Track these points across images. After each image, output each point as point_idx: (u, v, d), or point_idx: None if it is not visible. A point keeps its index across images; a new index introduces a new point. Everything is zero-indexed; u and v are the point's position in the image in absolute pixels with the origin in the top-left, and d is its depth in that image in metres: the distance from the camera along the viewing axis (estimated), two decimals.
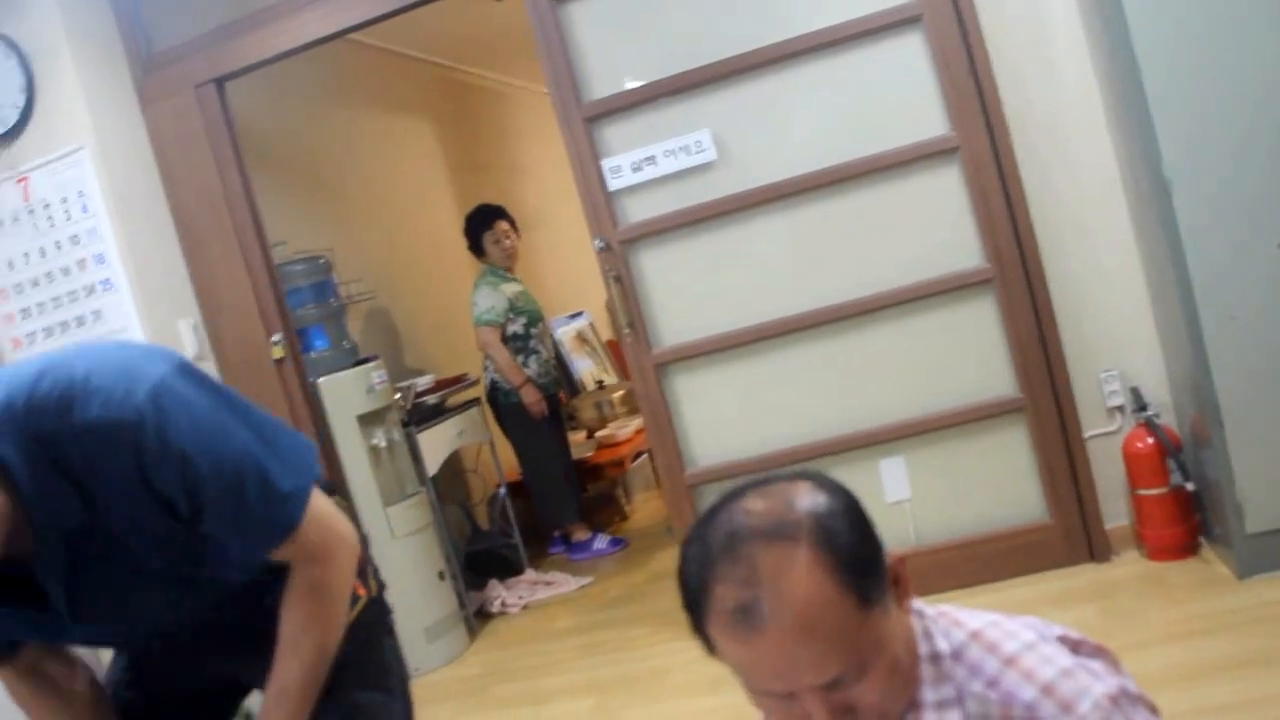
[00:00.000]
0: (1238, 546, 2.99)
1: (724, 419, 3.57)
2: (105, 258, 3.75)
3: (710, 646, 1.09)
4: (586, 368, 6.77)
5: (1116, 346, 3.40)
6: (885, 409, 3.47)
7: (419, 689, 1.91)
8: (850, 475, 3.14)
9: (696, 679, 3.32)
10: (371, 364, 4.30)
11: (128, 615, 1.59)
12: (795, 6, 3.38)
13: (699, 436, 3.60)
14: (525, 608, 4.66)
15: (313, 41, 3.82)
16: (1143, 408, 3.33)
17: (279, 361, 3.94)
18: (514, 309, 5.15)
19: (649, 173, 3.49)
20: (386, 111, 6.07)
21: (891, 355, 3.45)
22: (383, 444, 4.23)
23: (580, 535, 5.25)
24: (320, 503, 1.58)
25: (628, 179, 3.51)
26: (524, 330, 5.18)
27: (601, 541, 5.22)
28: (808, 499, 1.07)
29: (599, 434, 6.04)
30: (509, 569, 5.05)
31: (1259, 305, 2.86)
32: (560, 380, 5.56)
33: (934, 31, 3.28)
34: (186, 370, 1.48)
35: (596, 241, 3.53)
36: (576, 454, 5.60)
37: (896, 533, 3.46)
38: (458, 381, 5.14)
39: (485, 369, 5.24)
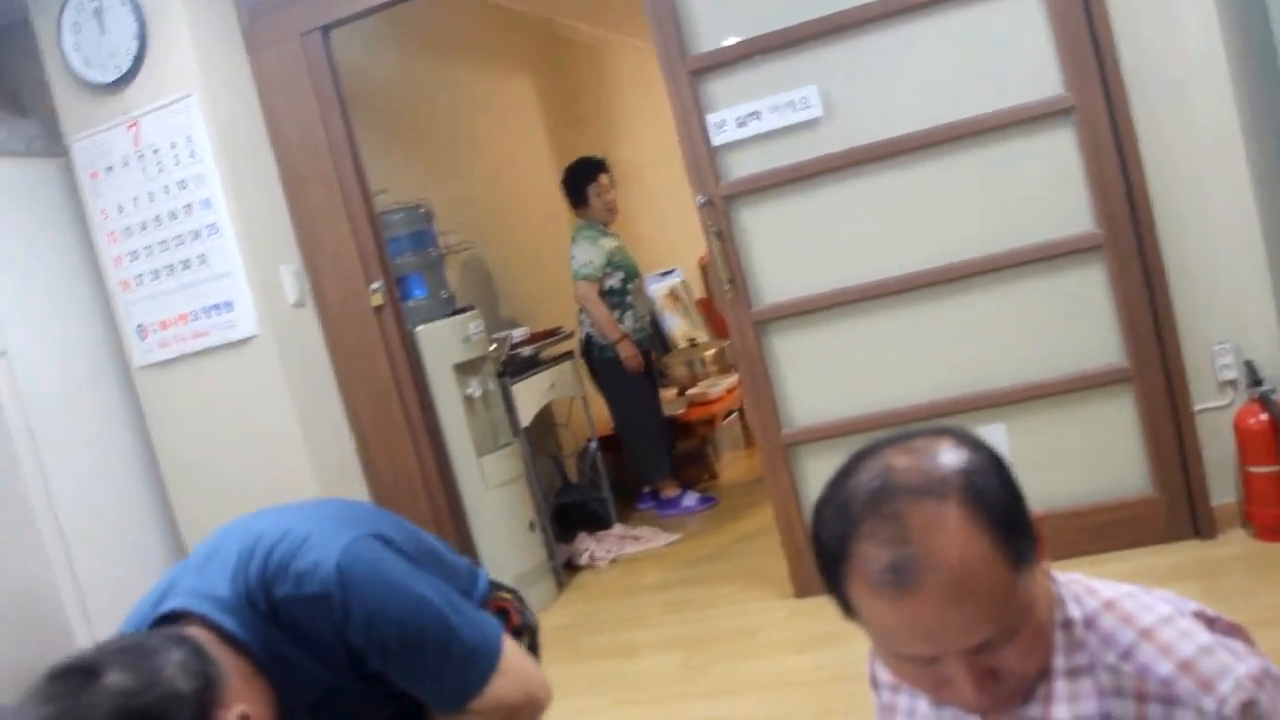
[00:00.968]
0: None
1: (822, 379, 3.53)
2: (211, 202, 3.81)
3: (848, 609, 1.05)
4: (678, 325, 6.76)
5: (1231, 318, 3.28)
6: (987, 374, 3.40)
7: None
8: None
9: (785, 638, 3.32)
10: (468, 314, 4.33)
11: None
12: None
13: (796, 396, 3.57)
14: (613, 562, 4.68)
15: None
16: (1257, 382, 3.22)
17: (378, 309, 3.97)
18: (612, 264, 5.14)
19: (753, 128, 3.44)
20: (486, 64, 6.07)
21: (996, 320, 3.37)
22: (477, 394, 4.27)
23: (670, 491, 5.25)
24: (516, 661, 1.63)
25: (731, 134, 3.46)
26: (621, 285, 5.17)
27: (691, 499, 5.22)
28: (953, 455, 1.03)
29: (690, 391, 6.02)
30: (598, 523, 5.08)
31: None
32: (653, 337, 5.55)
33: None
34: (378, 535, 1.58)
35: (699, 197, 3.50)
36: (667, 411, 5.60)
37: None
38: (552, 334, 5.16)
39: (580, 323, 5.25)
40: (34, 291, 4.02)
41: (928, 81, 3.32)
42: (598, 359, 5.20)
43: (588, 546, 4.80)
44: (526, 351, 4.86)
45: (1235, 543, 3.25)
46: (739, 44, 3.45)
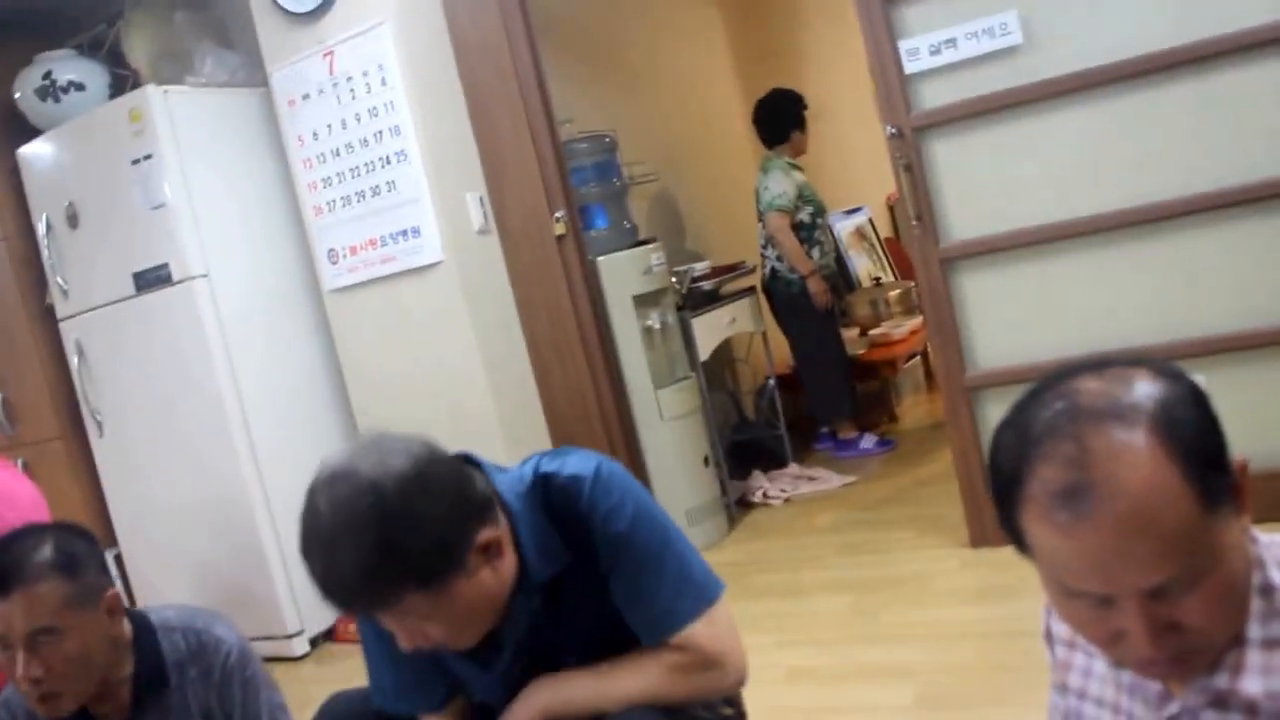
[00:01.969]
0: None
1: (1012, 321, 3.37)
2: (400, 130, 3.87)
3: (1019, 540, 0.99)
4: (863, 264, 6.62)
5: None
6: (1188, 321, 3.17)
7: None
8: None
9: (959, 587, 3.21)
10: (650, 245, 4.31)
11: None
12: None
13: (983, 338, 3.42)
14: (787, 501, 4.63)
15: None
16: None
17: (560, 238, 3.99)
18: (803, 197, 5.05)
19: (948, 56, 3.28)
20: None
21: (1201, 263, 3.13)
22: (656, 326, 4.26)
23: (848, 433, 5.16)
24: (727, 620, 1.63)
25: (925, 62, 3.31)
26: (810, 220, 5.07)
27: (869, 441, 5.11)
28: (1148, 383, 0.95)
29: (872, 332, 5.88)
30: (773, 460, 5.03)
31: None
32: (837, 275, 5.43)
33: None
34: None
35: (888, 128, 3.37)
36: (849, 351, 5.48)
37: None
38: (734, 269, 5.10)
39: (764, 257, 5.18)
40: (235, 217, 4.20)
41: (1141, 4, 3.09)
42: (781, 295, 5.12)
43: (761, 484, 4.76)
44: (707, 285, 4.82)
45: None
46: None
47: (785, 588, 3.65)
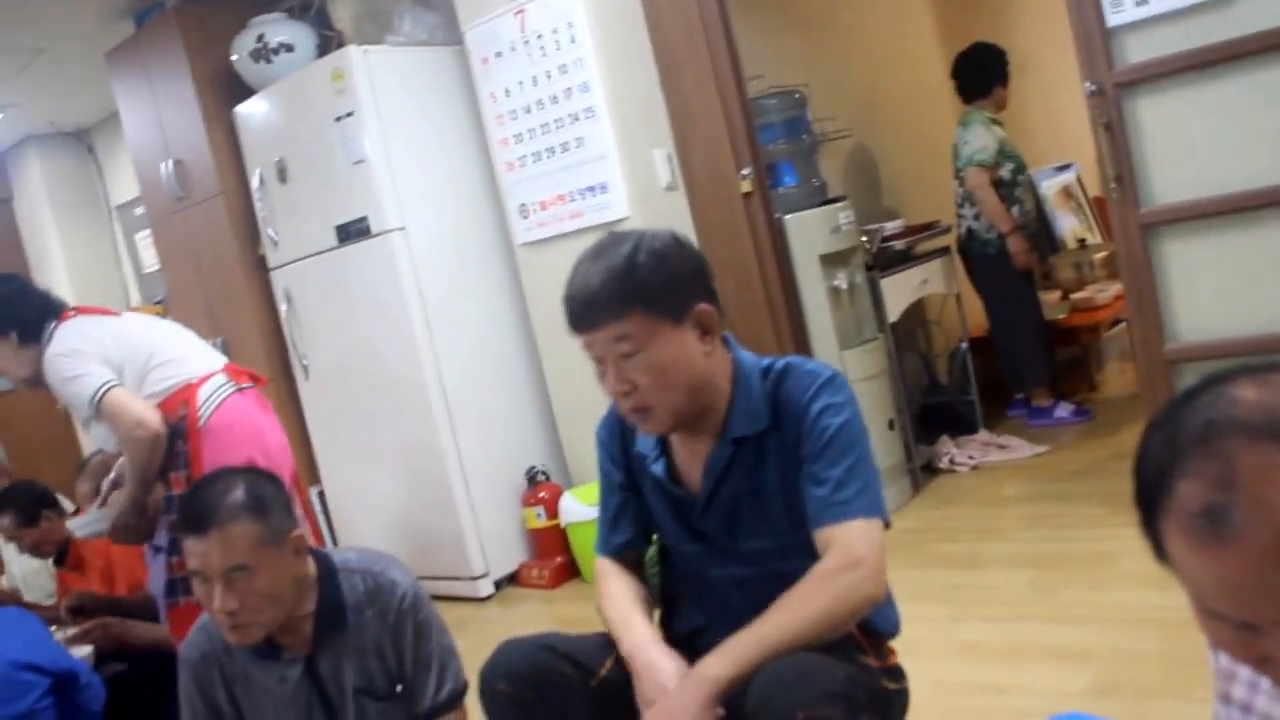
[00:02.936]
0: None
1: (1219, 291, 3.15)
2: (589, 86, 3.91)
3: (1159, 549, 0.92)
4: (1069, 224, 6.29)
5: None
6: None
7: None
8: None
9: (1145, 570, 2.99)
10: (839, 204, 4.23)
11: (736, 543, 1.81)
12: None
13: (1185, 308, 3.21)
14: (974, 468, 4.50)
15: None
16: None
17: (746, 195, 3.95)
18: (1004, 153, 4.87)
19: (1156, 6, 3.07)
20: None
21: None
22: (844, 286, 4.18)
23: (1042, 400, 4.96)
24: (881, 536, 1.68)
25: (1129, 14, 3.11)
26: (1011, 177, 4.89)
27: (1064, 409, 4.90)
28: None
29: (1075, 296, 5.63)
30: (962, 426, 4.89)
31: None
32: (1038, 235, 5.21)
33: None
34: None
35: (1087, 85, 3.19)
36: (1048, 315, 5.27)
37: None
38: (928, 228, 4.95)
39: (960, 217, 5.01)
40: (430, 172, 4.33)
41: None
42: (977, 255, 4.95)
43: (949, 450, 4.64)
44: (899, 245, 4.69)
45: None
46: None
47: (964, 559, 3.56)
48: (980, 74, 4.95)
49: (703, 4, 3.88)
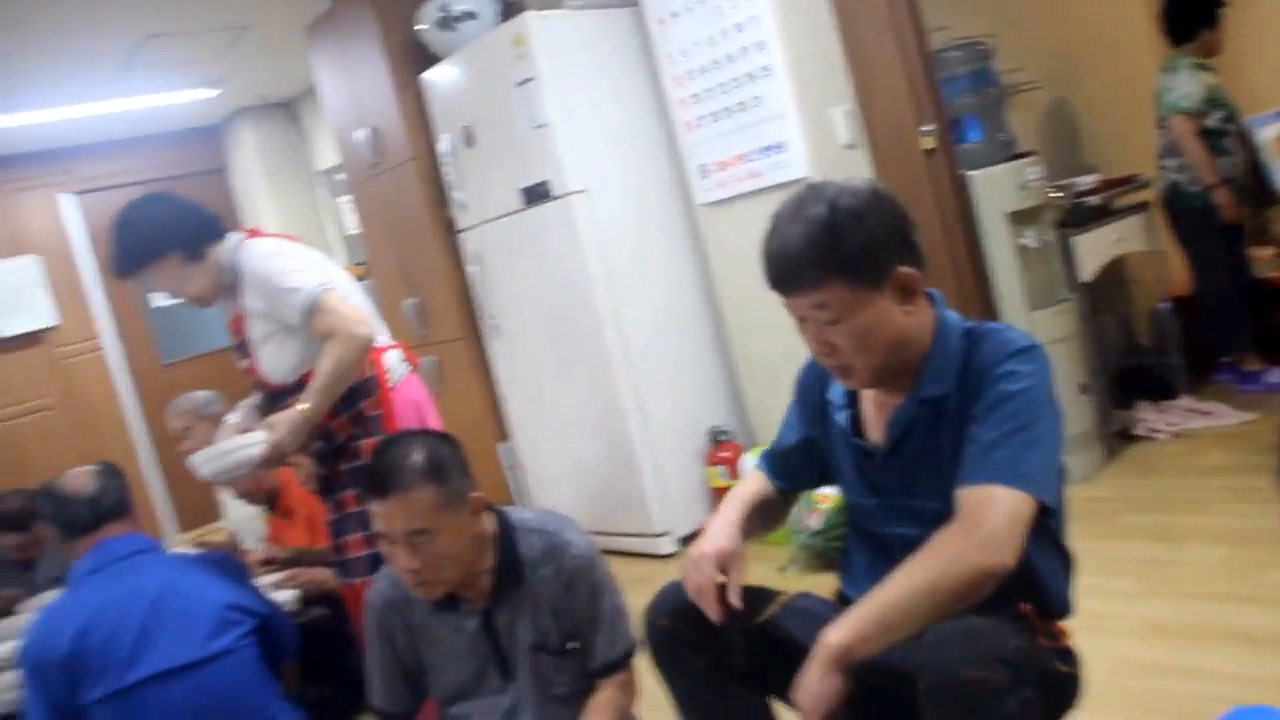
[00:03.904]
0: None
1: None
2: (765, 45, 3.86)
3: None
4: None
5: None
6: None
7: None
8: None
9: None
10: (1027, 159, 4.06)
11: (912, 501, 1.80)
12: None
13: None
14: (1175, 436, 4.28)
15: None
16: None
17: (929, 152, 3.84)
18: (1212, 100, 4.57)
19: None
20: None
21: None
22: (1033, 244, 4.02)
23: (1252, 365, 4.67)
24: (1024, 514, 1.59)
25: None
26: (1220, 126, 4.59)
27: (1275, 375, 4.59)
28: None
29: None
30: (1163, 391, 4.65)
31: None
32: (1251, 188, 4.88)
33: None
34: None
35: None
36: (1260, 273, 4.94)
37: None
38: (1126, 182, 4.70)
39: (1162, 169, 4.74)
40: (610, 134, 4.37)
41: None
42: (1181, 209, 4.68)
43: (1147, 416, 4.42)
44: (1094, 200, 4.47)
45: None
46: None
47: (1157, 531, 3.39)
48: (1185, 15, 4.65)
49: None
